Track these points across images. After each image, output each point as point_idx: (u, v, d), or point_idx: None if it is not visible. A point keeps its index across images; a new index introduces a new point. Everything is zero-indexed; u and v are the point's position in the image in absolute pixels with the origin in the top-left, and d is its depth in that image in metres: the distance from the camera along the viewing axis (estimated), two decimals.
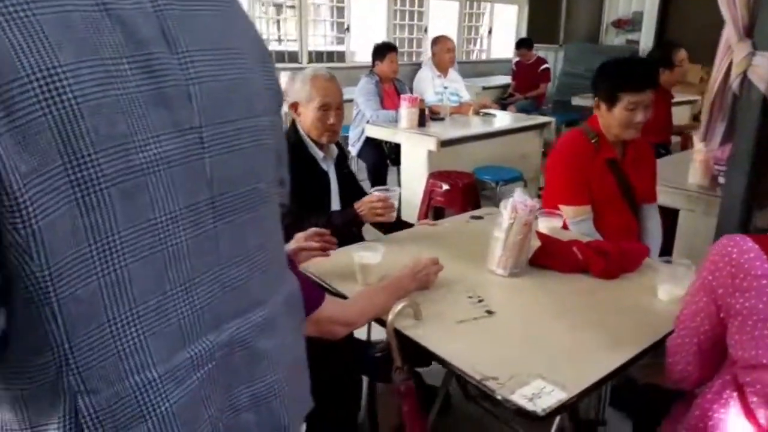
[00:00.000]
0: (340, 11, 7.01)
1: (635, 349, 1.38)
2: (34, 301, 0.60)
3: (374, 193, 1.95)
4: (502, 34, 8.86)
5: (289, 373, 0.86)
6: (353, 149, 4.42)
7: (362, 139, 4.32)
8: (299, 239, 1.60)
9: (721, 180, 2.47)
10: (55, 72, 0.56)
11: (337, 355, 1.71)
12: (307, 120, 2.00)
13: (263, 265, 0.81)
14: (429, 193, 3.51)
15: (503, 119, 4.57)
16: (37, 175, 0.56)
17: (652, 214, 2.25)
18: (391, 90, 4.42)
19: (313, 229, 1.63)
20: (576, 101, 5.86)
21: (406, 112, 3.82)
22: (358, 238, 2.24)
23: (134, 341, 0.66)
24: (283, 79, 3.70)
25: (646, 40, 7.56)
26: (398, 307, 1.43)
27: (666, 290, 1.60)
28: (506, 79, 7.57)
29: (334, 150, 2.13)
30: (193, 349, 0.71)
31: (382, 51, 4.40)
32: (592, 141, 2.14)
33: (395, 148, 4.17)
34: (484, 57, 8.70)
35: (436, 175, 3.56)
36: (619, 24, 7.80)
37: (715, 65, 2.33)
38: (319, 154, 2.05)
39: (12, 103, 0.54)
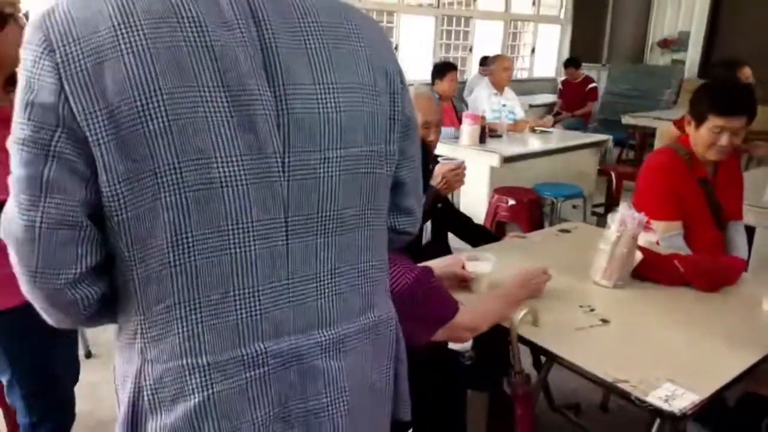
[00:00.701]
0: (389, 31, 7.18)
1: (754, 357, 1.43)
2: (123, 275, 0.77)
3: (443, 162, 2.04)
4: (544, 52, 8.94)
5: (357, 398, 0.88)
6: None
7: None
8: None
9: None
10: (154, 95, 0.70)
11: (437, 366, 1.79)
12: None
13: (337, 288, 0.85)
14: (495, 208, 3.59)
15: (560, 137, 4.64)
16: (132, 176, 0.71)
17: (740, 231, 2.29)
18: (449, 108, 4.53)
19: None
20: (626, 120, 5.91)
21: (469, 129, 3.91)
22: (446, 251, 2.33)
23: (192, 328, 0.76)
24: None
25: (692, 59, 7.57)
26: (521, 314, 1.51)
27: None
28: (550, 98, 7.64)
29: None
30: (246, 350, 0.78)
31: (443, 70, 4.52)
32: (685, 159, 2.19)
33: None
34: (526, 75, 8.77)
35: (500, 191, 3.64)
36: (665, 44, 7.82)
37: None
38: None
39: (119, 117, 0.69)
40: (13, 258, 0.74)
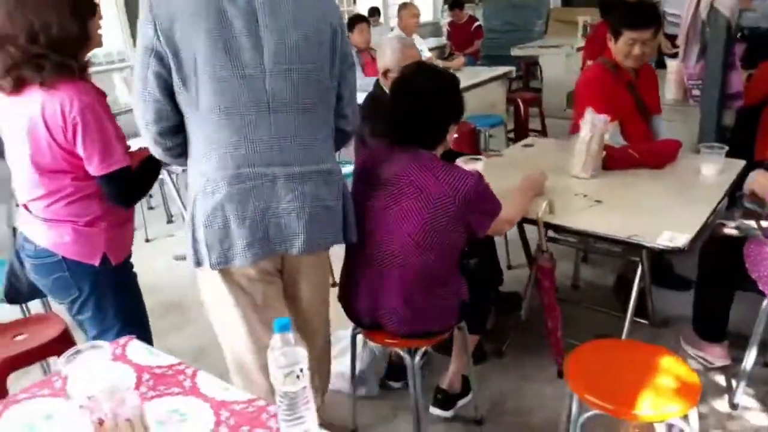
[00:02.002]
0: None
1: (710, 206, 1.93)
2: (189, 131, 1.42)
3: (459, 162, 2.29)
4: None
5: (315, 208, 1.45)
6: None
7: None
8: None
9: (695, 92, 3.09)
10: (197, 34, 1.33)
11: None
12: None
13: (301, 144, 1.43)
14: None
15: (470, 74, 5.05)
16: (185, 75, 1.35)
17: (662, 122, 2.79)
18: (368, 58, 4.77)
19: None
20: (515, 52, 6.49)
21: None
22: None
23: (222, 156, 1.38)
24: None
25: None
26: (543, 204, 1.89)
27: (708, 167, 2.17)
28: (437, 41, 8.06)
29: None
30: (250, 170, 1.38)
31: (352, 22, 4.73)
32: (611, 69, 2.62)
33: None
34: None
35: None
36: None
37: (686, 1, 2.92)
38: None
39: (180, 45, 1.34)
40: (139, 121, 1.40)
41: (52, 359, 2.18)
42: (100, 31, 1.52)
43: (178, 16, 1.32)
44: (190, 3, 1.33)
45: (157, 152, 1.48)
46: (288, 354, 0.90)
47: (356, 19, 4.80)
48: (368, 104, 2.42)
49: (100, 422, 0.89)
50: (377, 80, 2.51)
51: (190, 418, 1.05)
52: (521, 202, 1.92)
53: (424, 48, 5.21)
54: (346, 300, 1.82)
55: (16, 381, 1.87)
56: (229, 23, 1.34)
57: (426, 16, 9.24)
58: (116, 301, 1.62)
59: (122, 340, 1.32)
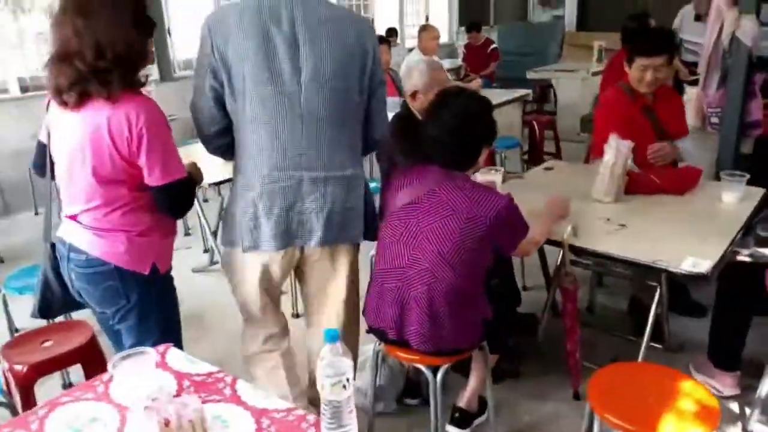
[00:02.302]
0: None
1: (730, 234, 1.95)
2: (235, 135, 1.70)
3: (477, 177, 2.33)
4: (437, 20, 9.45)
5: (337, 207, 1.67)
6: None
7: None
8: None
9: (714, 120, 3.13)
10: (246, 56, 1.58)
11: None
12: (426, 104, 2.40)
13: (328, 152, 1.65)
14: None
15: (488, 95, 5.09)
16: (234, 89, 1.60)
17: (686, 145, 2.77)
18: (388, 79, 4.84)
19: None
20: (531, 75, 6.56)
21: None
22: None
23: (259, 159, 1.63)
24: None
25: (570, 14, 8.42)
26: (569, 228, 1.92)
27: (729, 195, 2.20)
28: (452, 63, 8.15)
29: None
30: (281, 173, 1.62)
31: None
32: (627, 92, 2.66)
33: None
34: None
35: None
36: (544, 1, 8.61)
37: (708, 29, 2.97)
38: None
39: (231, 63, 1.58)
40: (196, 122, 1.70)
41: (73, 367, 2.21)
42: (153, 49, 1.58)
43: (232, 37, 1.55)
44: (242, 25, 1.55)
45: (208, 149, 1.78)
46: (335, 364, 0.94)
47: (380, 41, 4.88)
48: (397, 124, 2.47)
49: (166, 423, 0.93)
50: (404, 102, 2.55)
51: (232, 425, 1.08)
52: (547, 225, 1.95)
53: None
54: (371, 314, 1.85)
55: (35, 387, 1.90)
56: (273, 47, 1.57)
57: (441, 38, 9.36)
58: (159, 310, 1.66)
59: (161, 347, 1.36)
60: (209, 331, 2.91)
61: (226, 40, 1.55)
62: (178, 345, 1.73)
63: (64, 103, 1.49)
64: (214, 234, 3.58)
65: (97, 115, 1.47)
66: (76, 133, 1.51)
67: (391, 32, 7.76)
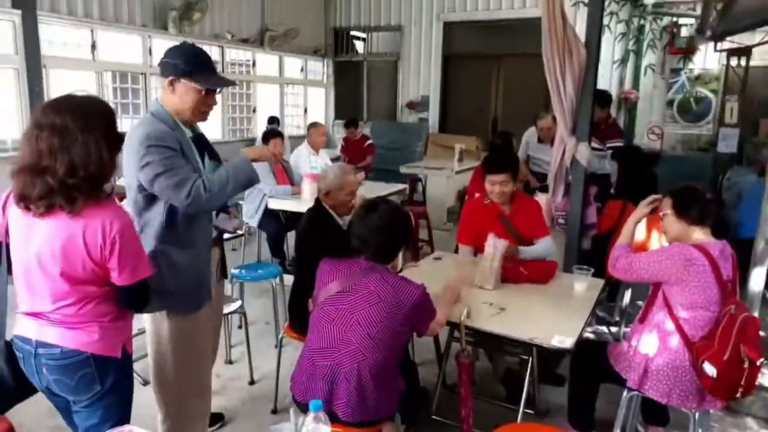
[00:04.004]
0: None
1: (585, 314, 2.48)
2: None
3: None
4: (314, 112, 10.09)
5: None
6: (252, 221, 5.02)
7: (260, 211, 4.97)
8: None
9: (561, 221, 3.83)
10: None
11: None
12: (337, 201, 2.79)
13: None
14: None
15: (373, 188, 5.51)
16: None
17: (541, 244, 3.37)
18: (280, 168, 5.17)
19: None
20: (404, 169, 7.26)
21: (309, 187, 4.62)
22: None
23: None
24: None
25: (433, 118, 9.48)
26: (465, 311, 2.33)
27: (580, 285, 2.77)
28: (330, 152, 8.70)
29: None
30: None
31: (267, 137, 5.17)
32: (485, 202, 3.24)
33: (292, 217, 4.90)
34: (302, 132, 9.76)
35: None
36: (411, 105, 9.61)
37: (554, 151, 3.71)
38: (342, 221, 2.84)
39: None
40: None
41: None
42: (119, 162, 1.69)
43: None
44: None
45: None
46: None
47: (271, 134, 5.24)
48: (315, 220, 2.80)
49: None
50: (318, 199, 2.90)
51: None
52: (447, 308, 2.34)
53: (327, 159, 5.73)
54: (299, 389, 2.06)
55: None
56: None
57: None
58: (124, 391, 1.74)
59: (125, 428, 1.47)
60: None
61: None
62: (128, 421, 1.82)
63: (27, 209, 1.55)
64: None
65: (71, 224, 1.55)
66: (44, 239, 1.57)
67: (273, 119, 8.19)
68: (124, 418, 1.64)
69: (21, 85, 5.57)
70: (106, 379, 1.68)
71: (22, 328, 1.66)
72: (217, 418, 2.89)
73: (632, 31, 7.67)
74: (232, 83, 2.35)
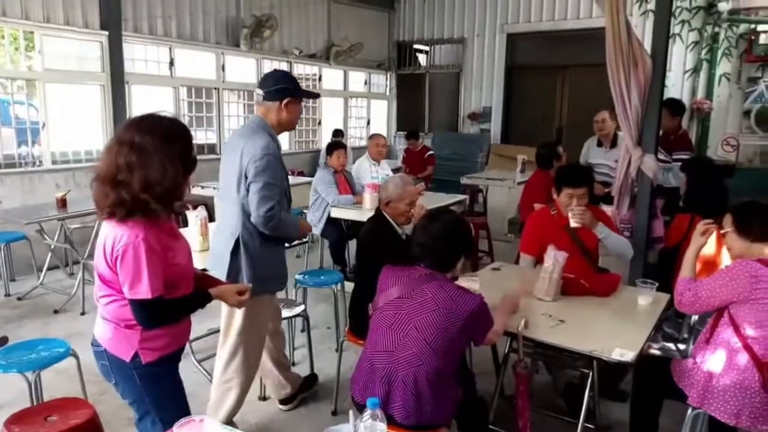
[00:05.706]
0: None
1: (648, 329, 2.44)
2: None
3: (462, 281, 2.74)
4: (376, 124, 10.26)
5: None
6: (315, 229, 5.17)
7: (323, 220, 5.12)
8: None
9: (626, 233, 3.74)
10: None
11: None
12: (397, 211, 2.87)
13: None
14: None
15: (433, 198, 5.56)
16: None
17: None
18: (342, 179, 5.31)
19: None
20: (464, 180, 7.28)
21: (370, 196, 4.72)
22: None
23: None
24: None
25: (495, 129, 9.43)
26: (523, 321, 2.34)
27: (644, 299, 2.72)
28: (392, 164, 8.83)
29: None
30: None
31: (331, 148, 5.32)
32: (553, 212, 3.23)
33: (353, 226, 5.02)
34: (365, 144, 9.94)
35: None
36: (473, 116, 9.61)
37: (620, 162, 3.64)
38: (401, 230, 2.91)
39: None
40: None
41: None
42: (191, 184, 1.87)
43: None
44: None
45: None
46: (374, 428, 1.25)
47: (335, 146, 5.39)
48: (376, 229, 2.89)
49: None
50: (378, 208, 2.98)
51: None
52: (505, 318, 2.36)
53: (389, 170, 5.82)
54: (358, 390, 2.13)
55: None
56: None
57: None
58: (149, 392, 1.86)
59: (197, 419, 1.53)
60: None
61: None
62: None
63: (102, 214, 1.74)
64: None
65: (108, 228, 1.73)
66: (101, 236, 1.78)
67: (338, 132, 8.39)
68: (165, 416, 1.80)
69: (106, 99, 6.00)
70: (118, 377, 1.85)
71: None
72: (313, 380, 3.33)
73: (705, 40, 7.40)
74: (318, 95, 3.24)
